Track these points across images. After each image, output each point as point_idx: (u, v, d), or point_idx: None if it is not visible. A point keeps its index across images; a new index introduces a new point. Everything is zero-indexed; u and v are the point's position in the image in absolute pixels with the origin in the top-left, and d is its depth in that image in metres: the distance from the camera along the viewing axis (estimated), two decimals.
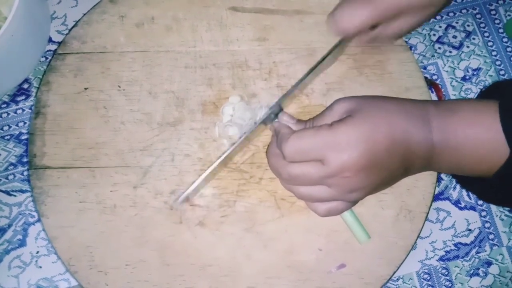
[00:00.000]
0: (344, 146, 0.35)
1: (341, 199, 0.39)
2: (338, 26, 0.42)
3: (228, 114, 0.49)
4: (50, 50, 0.56)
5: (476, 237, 0.51)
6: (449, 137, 0.37)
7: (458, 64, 0.56)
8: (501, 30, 0.57)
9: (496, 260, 0.51)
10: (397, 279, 0.50)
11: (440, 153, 0.37)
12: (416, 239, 0.45)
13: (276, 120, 0.43)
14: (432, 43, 0.57)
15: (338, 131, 0.36)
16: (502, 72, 0.56)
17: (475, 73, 0.56)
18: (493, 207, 0.52)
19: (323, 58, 0.45)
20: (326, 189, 0.38)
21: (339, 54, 0.49)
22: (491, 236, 0.51)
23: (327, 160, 0.36)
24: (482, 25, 0.57)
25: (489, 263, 0.51)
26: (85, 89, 0.50)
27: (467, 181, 0.43)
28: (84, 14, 0.53)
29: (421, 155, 0.37)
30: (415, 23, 0.43)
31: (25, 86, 0.55)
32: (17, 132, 0.53)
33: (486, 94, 0.51)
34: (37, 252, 0.50)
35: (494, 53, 0.56)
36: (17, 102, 0.54)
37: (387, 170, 0.37)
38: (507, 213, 0.52)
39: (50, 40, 0.56)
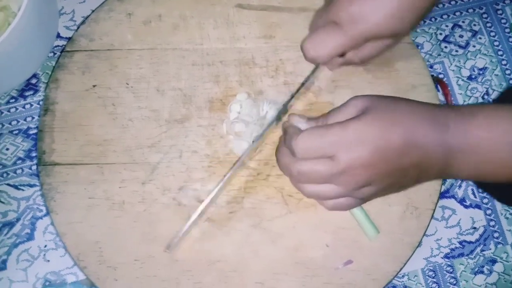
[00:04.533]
0: (354, 142, 0.35)
1: (349, 196, 0.40)
2: (309, 54, 0.43)
3: (236, 111, 0.49)
4: (58, 46, 0.56)
5: (481, 235, 0.52)
6: (469, 141, 0.36)
7: (464, 63, 0.56)
8: (507, 30, 0.57)
9: (501, 258, 0.51)
10: (403, 276, 0.50)
11: (459, 157, 0.37)
12: (423, 236, 0.46)
13: (286, 120, 0.44)
14: (439, 42, 0.57)
15: (350, 128, 0.36)
16: (508, 72, 0.56)
17: (481, 72, 0.56)
18: (498, 206, 0.52)
19: (303, 84, 0.46)
20: (334, 187, 0.38)
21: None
22: (496, 234, 0.52)
23: (337, 156, 0.36)
24: (489, 24, 0.57)
25: (493, 261, 0.51)
26: (93, 86, 0.50)
27: (487, 183, 0.42)
28: (92, 11, 0.53)
29: (437, 158, 0.37)
30: (384, 48, 0.44)
31: (33, 81, 0.55)
32: (25, 127, 0.54)
33: (504, 98, 0.51)
34: (45, 246, 0.51)
35: (500, 52, 0.57)
36: (25, 97, 0.55)
37: (398, 171, 0.37)
38: None
39: (58, 36, 0.56)
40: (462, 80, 0.56)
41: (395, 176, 0.37)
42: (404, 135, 0.36)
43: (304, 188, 0.40)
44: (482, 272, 0.51)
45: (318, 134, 0.37)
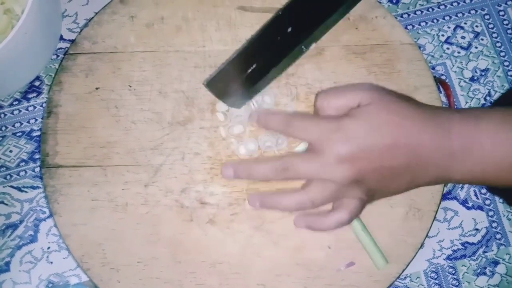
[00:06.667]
0: (344, 138, 0.36)
1: (343, 196, 0.38)
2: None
3: (221, 111, 0.49)
4: (61, 48, 0.56)
5: (483, 237, 0.52)
6: (474, 145, 0.35)
7: (466, 64, 0.56)
8: (509, 31, 0.57)
9: (503, 259, 0.51)
10: (405, 277, 0.50)
11: (462, 161, 0.36)
12: (425, 238, 0.46)
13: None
14: (441, 43, 0.57)
15: (341, 123, 0.37)
16: (510, 73, 0.56)
17: (483, 73, 0.56)
18: (500, 207, 0.52)
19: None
20: (324, 186, 0.37)
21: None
22: (498, 236, 0.52)
23: (324, 149, 0.36)
24: (491, 26, 0.57)
25: (496, 263, 0.51)
26: (96, 89, 0.50)
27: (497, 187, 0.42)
28: (95, 14, 0.53)
29: (435, 163, 0.36)
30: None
31: (37, 83, 0.55)
32: (28, 129, 0.54)
33: (503, 100, 0.50)
34: (48, 248, 0.51)
35: (502, 54, 0.57)
36: (28, 99, 0.55)
37: (388, 170, 0.36)
38: None
39: (61, 38, 0.57)
40: (464, 81, 0.56)
41: (385, 175, 0.37)
42: (393, 135, 0.35)
43: (308, 192, 0.39)
44: (484, 274, 0.51)
45: (314, 122, 0.38)
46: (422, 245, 0.46)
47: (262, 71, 0.46)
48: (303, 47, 0.48)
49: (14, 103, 0.55)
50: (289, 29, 0.44)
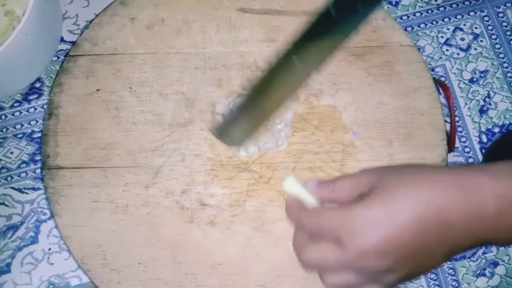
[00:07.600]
0: (361, 229, 0.30)
1: (374, 282, 0.33)
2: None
3: (221, 114, 0.49)
4: (62, 50, 0.56)
5: None
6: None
7: (465, 66, 0.56)
8: (508, 33, 0.57)
9: (503, 260, 0.51)
10: None
11: (500, 223, 0.31)
12: None
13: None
14: (440, 45, 0.57)
15: (355, 213, 0.31)
16: (509, 75, 0.56)
17: (482, 75, 0.56)
18: None
19: None
20: (353, 276, 0.33)
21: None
22: None
23: (343, 243, 0.31)
24: (490, 27, 0.58)
25: (495, 264, 0.51)
26: (97, 90, 0.51)
27: None
28: (96, 15, 0.53)
29: (471, 229, 0.31)
30: None
31: (37, 85, 0.55)
32: (29, 131, 0.54)
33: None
34: (49, 249, 0.51)
35: (501, 55, 0.57)
36: (29, 101, 0.55)
37: (420, 252, 0.32)
38: None
39: (62, 40, 0.57)
40: (464, 83, 0.56)
41: (419, 257, 0.32)
42: (417, 212, 0.30)
43: (325, 279, 0.34)
44: (484, 275, 0.51)
45: (325, 215, 0.32)
46: None
47: (267, 110, 0.42)
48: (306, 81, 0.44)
49: (15, 104, 0.55)
50: (294, 61, 0.39)
